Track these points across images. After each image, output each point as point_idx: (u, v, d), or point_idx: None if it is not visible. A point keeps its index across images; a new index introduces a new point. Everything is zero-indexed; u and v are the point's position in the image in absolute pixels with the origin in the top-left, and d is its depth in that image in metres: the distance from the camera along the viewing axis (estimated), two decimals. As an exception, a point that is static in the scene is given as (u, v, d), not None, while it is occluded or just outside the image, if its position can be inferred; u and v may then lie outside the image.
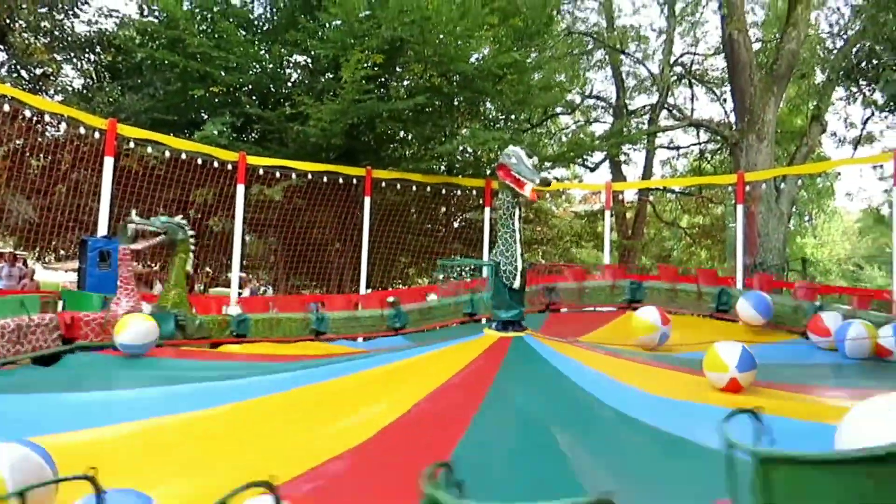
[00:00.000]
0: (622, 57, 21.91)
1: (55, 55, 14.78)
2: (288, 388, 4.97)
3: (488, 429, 3.88)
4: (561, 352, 5.68)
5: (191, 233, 8.26)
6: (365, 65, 11.45)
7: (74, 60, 15.33)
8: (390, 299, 10.27)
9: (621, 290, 10.33)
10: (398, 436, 3.86)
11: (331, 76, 13.35)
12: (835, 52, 15.93)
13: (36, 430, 3.52)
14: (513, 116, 17.44)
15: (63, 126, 9.65)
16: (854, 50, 13.13)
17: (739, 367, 4.60)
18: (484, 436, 3.75)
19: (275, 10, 14.40)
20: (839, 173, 22.50)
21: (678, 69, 21.81)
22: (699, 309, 9.78)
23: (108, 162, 9.20)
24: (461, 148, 14.32)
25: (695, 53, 22.40)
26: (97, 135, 9.43)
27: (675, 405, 4.33)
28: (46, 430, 3.63)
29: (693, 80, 22.06)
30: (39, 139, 11.34)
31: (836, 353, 7.03)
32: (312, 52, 13.32)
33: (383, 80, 13.62)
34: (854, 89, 15.29)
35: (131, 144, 9.93)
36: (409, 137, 14.92)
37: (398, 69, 13.94)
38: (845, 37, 15.71)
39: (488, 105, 15.99)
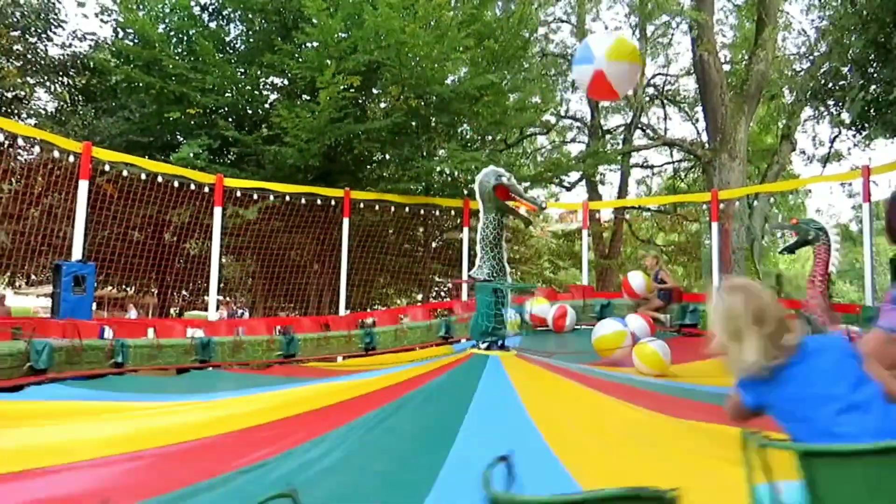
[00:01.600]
0: (596, 78, 22.24)
1: (28, 78, 14.63)
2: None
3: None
4: (510, 373, 5.39)
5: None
6: (342, 87, 11.49)
7: (48, 84, 15.20)
8: (368, 321, 10.27)
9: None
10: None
11: (307, 98, 13.38)
12: (802, 72, 16.36)
13: None
14: (489, 137, 17.60)
15: (36, 150, 9.53)
16: (821, 71, 13.49)
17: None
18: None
19: (250, 31, 14.44)
20: (810, 190, 23.00)
21: (651, 90, 22.22)
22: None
23: (83, 185, 9.09)
24: (438, 169, 14.40)
25: (667, 74, 22.88)
26: (71, 158, 9.32)
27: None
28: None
29: (666, 101, 22.48)
30: (12, 163, 11.18)
31: None
32: (289, 74, 13.36)
33: (360, 101, 13.68)
34: (822, 109, 15.69)
35: (106, 168, 9.83)
36: (387, 158, 14.95)
37: (375, 91, 14.02)
38: (811, 58, 16.15)
39: (465, 126, 16.13)
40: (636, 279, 10.15)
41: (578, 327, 10.41)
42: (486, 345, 6.09)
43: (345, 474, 3.36)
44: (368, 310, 14.27)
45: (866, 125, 12.43)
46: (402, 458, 3.61)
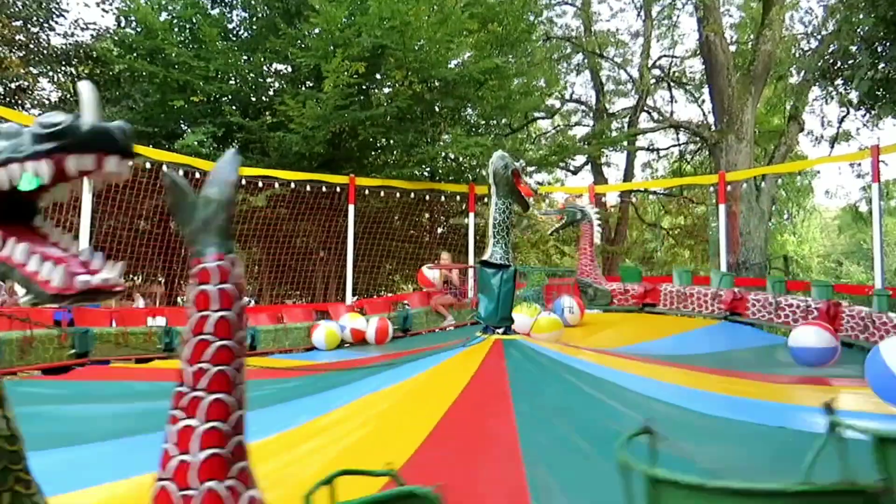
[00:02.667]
0: (601, 61, 22.06)
1: (31, 68, 14.60)
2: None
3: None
4: (562, 352, 5.60)
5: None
6: (345, 72, 11.42)
7: (51, 73, 15.16)
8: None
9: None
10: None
11: (311, 85, 13.31)
12: (809, 52, 16.16)
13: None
14: (493, 122, 17.49)
15: (41, 140, 9.50)
16: (829, 50, 13.33)
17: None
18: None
19: (253, 18, 14.35)
20: (818, 171, 22.81)
21: (656, 72, 22.01)
22: None
23: (88, 175, 9.07)
24: (443, 154, 14.33)
25: (672, 56, 22.62)
26: (76, 148, 9.30)
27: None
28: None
29: (671, 83, 22.27)
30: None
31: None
32: (293, 61, 13.29)
33: (364, 87, 13.60)
34: (830, 89, 15.52)
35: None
36: (392, 144, 14.89)
37: (378, 76, 13.93)
38: (819, 37, 15.96)
39: (469, 111, 16.04)
40: (431, 272, 10.72)
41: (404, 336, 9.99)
42: (502, 330, 6.05)
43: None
44: (375, 296, 14.25)
45: (875, 105, 12.28)
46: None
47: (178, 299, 16.16)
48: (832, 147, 18.85)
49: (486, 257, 6.11)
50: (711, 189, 13.13)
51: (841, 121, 18.19)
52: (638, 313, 10.04)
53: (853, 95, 14.56)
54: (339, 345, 8.93)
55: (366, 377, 5.49)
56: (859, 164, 16.00)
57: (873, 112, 13.55)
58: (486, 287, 6.08)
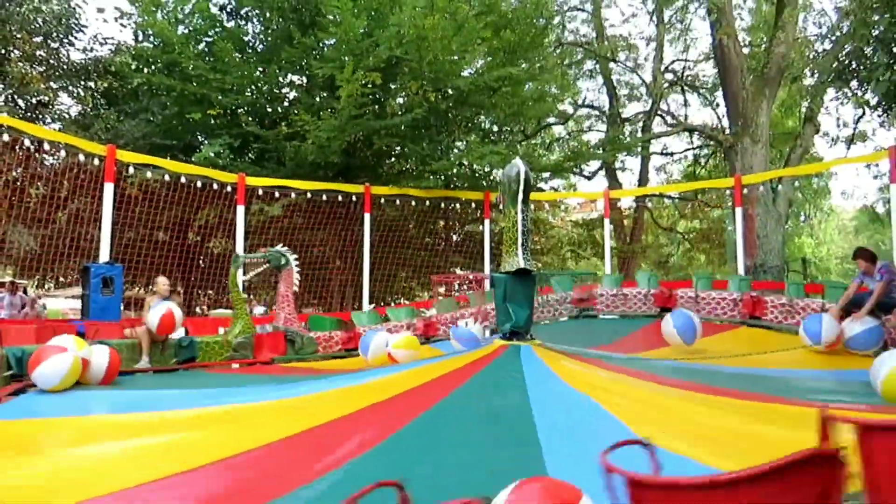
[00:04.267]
0: (613, 66, 22.04)
1: (51, 83, 14.83)
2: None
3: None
4: (549, 364, 5.41)
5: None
6: (362, 82, 11.49)
7: (70, 88, 15.38)
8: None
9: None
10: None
11: (326, 95, 13.41)
12: (824, 53, 16.02)
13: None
14: (507, 128, 17.49)
15: (62, 154, 9.66)
16: (844, 51, 13.20)
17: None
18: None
19: (268, 29, 14.47)
20: (834, 173, 22.58)
21: (669, 76, 21.93)
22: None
23: (109, 188, 9.20)
24: (458, 162, 14.35)
25: (685, 60, 22.58)
26: (96, 161, 9.43)
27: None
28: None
29: (685, 86, 22.18)
30: (39, 168, 11.35)
31: None
32: (308, 72, 13.38)
33: (379, 97, 13.67)
34: (845, 90, 15.37)
35: (130, 170, 9.93)
36: (407, 153, 14.94)
37: (393, 86, 14.00)
38: (833, 38, 15.81)
39: (483, 118, 16.06)
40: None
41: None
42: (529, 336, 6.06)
43: (444, 466, 3.29)
44: (393, 304, 14.28)
45: (893, 105, 12.15)
46: (497, 448, 3.55)
47: (198, 309, 16.28)
48: (848, 148, 18.65)
49: (521, 265, 6.06)
50: (727, 192, 13.05)
51: (857, 121, 18.01)
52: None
53: (870, 96, 14.41)
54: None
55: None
56: (876, 165, 15.83)
57: (891, 112, 13.39)
58: (518, 294, 6.08)
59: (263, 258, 9.24)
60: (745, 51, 18.07)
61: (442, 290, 14.33)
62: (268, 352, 8.61)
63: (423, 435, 3.82)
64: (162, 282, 8.32)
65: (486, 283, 12.13)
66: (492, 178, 15.12)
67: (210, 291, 16.48)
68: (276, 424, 4.21)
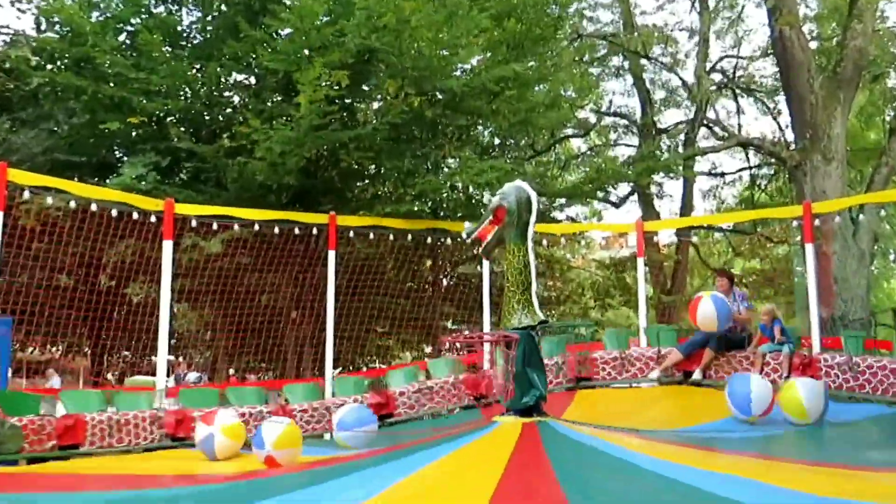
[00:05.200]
0: (646, 63, 22.31)
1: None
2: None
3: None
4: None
5: None
6: (325, 82, 11.56)
7: (-50, 90, 15.39)
8: None
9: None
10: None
11: (281, 99, 13.49)
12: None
13: None
14: (511, 142, 17.64)
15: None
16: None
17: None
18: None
19: (208, 18, 14.60)
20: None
21: (717, 76, 22.26)
22: None
23: (-4, 218, 9.13)
24: (449, 184, 14.38)
25: (737, 56, 22.91)
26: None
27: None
28: None
29: (737, 90, 22.49)
30: None
31: None
32: (257, 70, 13.47)
33: (348, 101, 13.76)
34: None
35: (26, 194, 9.87)
36: (383, 173, 14.99)
37: (366, 88, 14.11)
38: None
39: (481, 129, 16.18)
40: None
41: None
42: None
43: None
44: (364, 368, 14.18)
45: None
46: None
47: (107, 375, 16.09)
48: (947, 167, 18.88)
49: (540, 318, 6.08)
50: (794, 224, 13.10)
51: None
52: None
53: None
54: None
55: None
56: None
57: None
58: (535, 356, 6.13)
59: None
60: (813, 45, 18.40)
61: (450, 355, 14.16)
62: None
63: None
64: None
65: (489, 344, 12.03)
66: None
67: (126, 352, 16.31)
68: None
